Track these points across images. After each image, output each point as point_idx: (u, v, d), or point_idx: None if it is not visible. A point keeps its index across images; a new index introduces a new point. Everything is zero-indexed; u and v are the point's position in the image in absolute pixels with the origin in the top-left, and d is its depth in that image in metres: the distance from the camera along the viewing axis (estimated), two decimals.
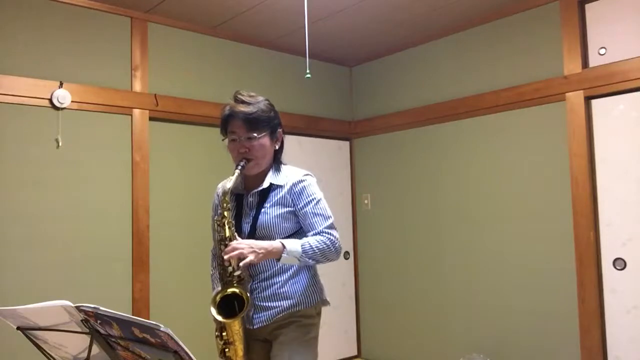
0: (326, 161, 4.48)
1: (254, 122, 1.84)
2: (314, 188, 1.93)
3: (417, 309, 4.08)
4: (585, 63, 3.21)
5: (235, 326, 1.76)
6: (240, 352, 1.78)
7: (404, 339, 4.16)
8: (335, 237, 1.88)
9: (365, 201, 4.54)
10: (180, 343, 1.16)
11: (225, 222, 1.80)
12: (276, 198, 1.89)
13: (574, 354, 3.16)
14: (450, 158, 3.90)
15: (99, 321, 1.26)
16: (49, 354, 1.45)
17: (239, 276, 1.78)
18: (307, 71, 2.99)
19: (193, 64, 3.69)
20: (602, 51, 3.14)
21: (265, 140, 1.88)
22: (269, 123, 1.89)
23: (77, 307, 1.26)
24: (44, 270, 2.96)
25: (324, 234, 1.86)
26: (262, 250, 1.72)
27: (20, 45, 2.98)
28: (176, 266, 3.48)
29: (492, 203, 3.63)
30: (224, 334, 1.78)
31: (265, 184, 1.90)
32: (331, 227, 1.89)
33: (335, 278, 4.36)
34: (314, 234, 1.86)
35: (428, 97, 4.06)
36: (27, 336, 1.42)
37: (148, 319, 1.31)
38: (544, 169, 3.36)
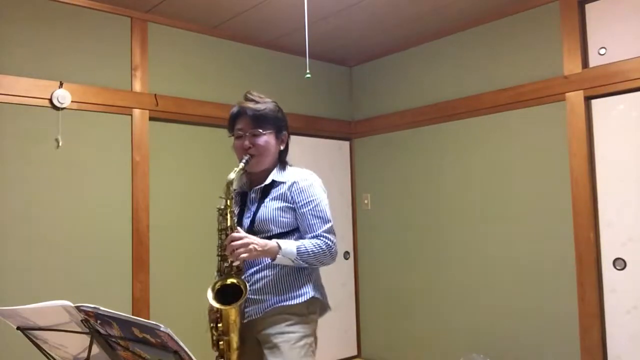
0: (326, 161, 4.48)
1: (260, 119, 1.89)
2: (315, 189, 1.91)
3: (417, 309, 4.08)
4: (585, 63, 3.21)
5: (232, 316, 1.75)
6: (235, 345, 1.77)
7: (404, 339, 4.16)
8: (332, 242, 1.86)
9: (365, 201, 4.53)
10: (181, 343, 1.16)
11: (228, 211, 1.81)
12: (277, 193, 1.90)
13: (574, 354, 3.16)
14: (450, 158, 3.89)
15: (99, 321, 1.26)
16: (49, 354, 1.45)
17: (237, 267, 1.79)
18: (307, 71, 2.99)
19: (193, 64, 3.69)
20: (602, 51, 3.14)
21: (270, 138, 1.91)
22: (276, 122, 1.93)
23: (77, 307, 1.26)
24: (44, 270, 2.96)
25: (321, 238, 1.84)
26: (258, 249, 1.73)
27: (20, 45, 2.98)
28: (176, 266, 3.48)
29: (492, 203, 3.63)
30: (219, 325, 1.77)
31: (268, 181, 1.93)
32: (329, 231, 1.87)
33: (335, 278, 4.36)
34: (311, 237, 1.85)
35: (428, 97, 4.06)
36: (27, 336, 1.42)
37: (148, 319, 1.31)
38: (544, 169, 3.36)
